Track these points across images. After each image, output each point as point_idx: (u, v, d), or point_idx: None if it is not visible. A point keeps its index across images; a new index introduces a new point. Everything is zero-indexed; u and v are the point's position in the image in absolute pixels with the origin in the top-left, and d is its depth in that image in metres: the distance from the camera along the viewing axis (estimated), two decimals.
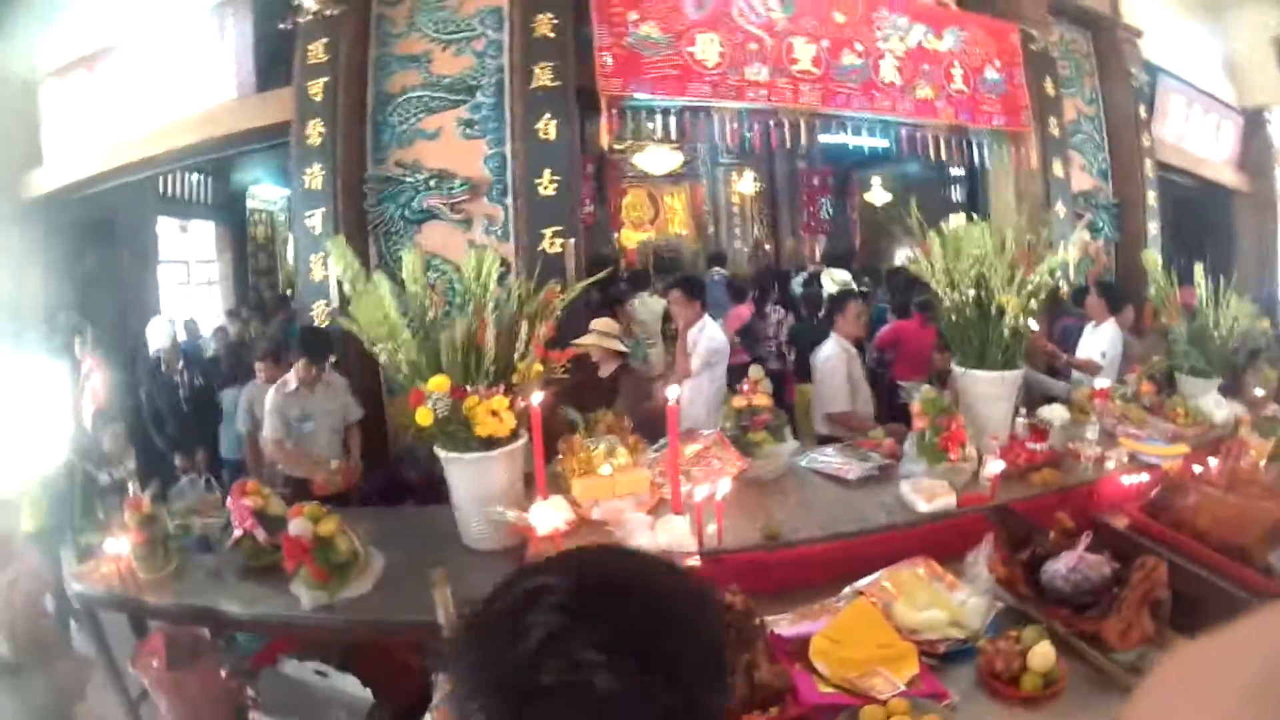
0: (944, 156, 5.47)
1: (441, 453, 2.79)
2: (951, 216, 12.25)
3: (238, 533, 2.78)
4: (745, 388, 3.26)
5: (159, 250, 8.08)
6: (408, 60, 4.93)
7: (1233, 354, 4.11)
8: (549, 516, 2.52)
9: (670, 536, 2.35)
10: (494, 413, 2.68)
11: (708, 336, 4.46)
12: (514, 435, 2.78)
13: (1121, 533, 2.61)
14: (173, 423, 5.31)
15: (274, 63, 5.33)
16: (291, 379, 4.22)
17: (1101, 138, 6.53)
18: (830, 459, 3.19)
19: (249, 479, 3.08)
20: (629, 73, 4.51)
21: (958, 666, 1.95)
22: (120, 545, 2.67)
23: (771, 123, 4.97)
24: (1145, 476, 3.05)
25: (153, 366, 5.56)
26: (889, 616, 2.10)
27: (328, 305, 4.78)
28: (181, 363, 5.50)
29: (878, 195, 11.72)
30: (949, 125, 5.35)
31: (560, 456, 3.04)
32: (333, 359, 4.32)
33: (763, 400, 3.21)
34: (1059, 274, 3.30)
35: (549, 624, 0.70)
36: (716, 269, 8.56)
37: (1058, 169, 5.89)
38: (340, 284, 4.34)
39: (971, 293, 3.15)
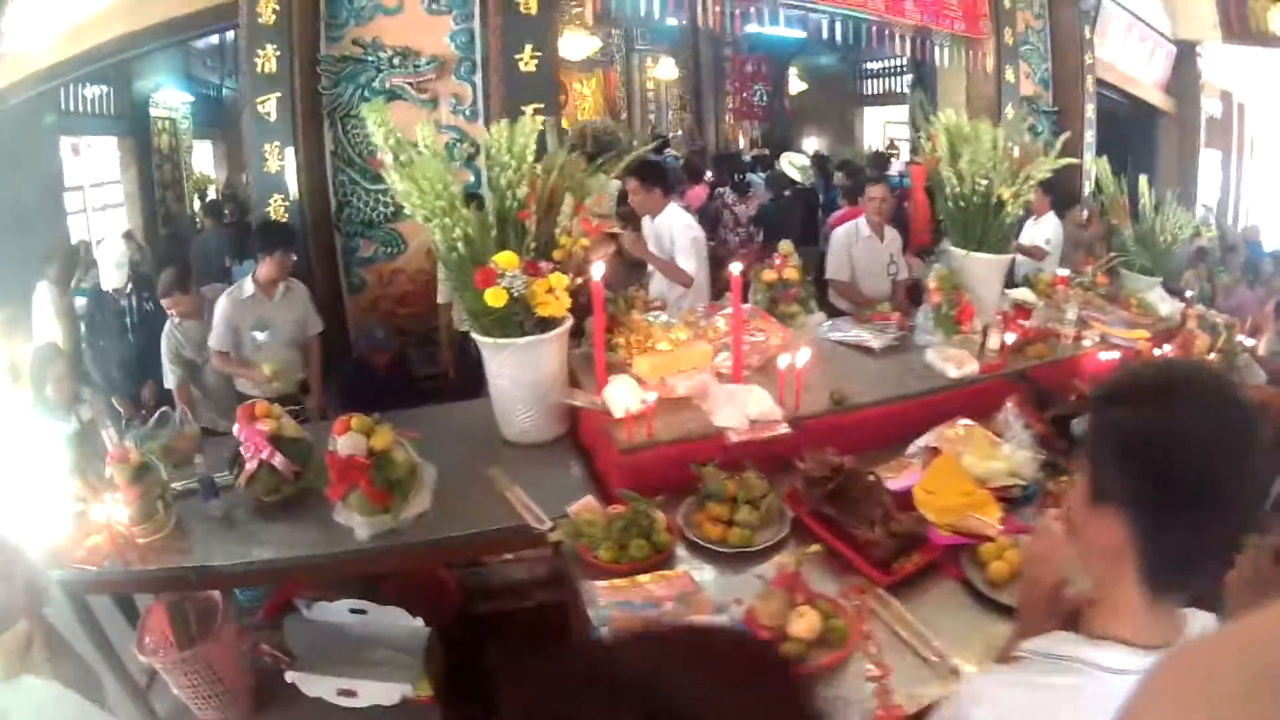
0: (906, 54, 5.89)
1: (488, 340, 2.69)
2: (866, 109, 12.71)
3: (251, 465, 2.39)
4: (777, 261, 3.51)
5: (64, 174, 7.30)
6: None
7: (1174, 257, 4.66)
8: (625, 396, 2.50)
9: (759, 407, 2.55)
10: (550, 290, 2.61)
11: (685, 226, 4.39)
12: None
13: None
14: (121, 355, 4.97)
15: None
16: (248, 284, 4.04)
17: (1046, 49, 7.08)
18: (851, 331, 3.47)
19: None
20: None
21: (1022, 508, 2.34)
22: (111, 509, 2.21)
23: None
24: (1117, 354, 3.48)
25: (96, 295, 5.21)
26: None
27: (285, 199, 4.65)
28: (130, 286, 5.16)
29: (793, 85, 12.04)
30: (914, 26, 5.71)
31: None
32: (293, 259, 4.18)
33: (793, 274, 3.49)
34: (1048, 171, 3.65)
35: None
36: (668, 151, 8.65)
37: (1009, 75, 6.44)
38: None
39: (983, 183, 3.48)
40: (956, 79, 6.32)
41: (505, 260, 2.54)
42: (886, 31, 5.68)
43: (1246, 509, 0.93)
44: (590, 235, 2.99)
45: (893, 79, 11.93)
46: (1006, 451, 2.54)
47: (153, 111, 8.66)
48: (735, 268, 2.88)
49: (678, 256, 4.30)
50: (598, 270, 2.70)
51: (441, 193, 2.59)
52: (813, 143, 8.72)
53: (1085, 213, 5.71)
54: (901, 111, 11.74)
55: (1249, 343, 3.92)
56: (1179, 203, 4.65)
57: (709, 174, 7.31)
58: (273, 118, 4.56)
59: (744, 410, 2.52)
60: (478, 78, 4.75)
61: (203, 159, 10.02)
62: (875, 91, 12.41)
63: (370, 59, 4.71)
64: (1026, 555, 1.34)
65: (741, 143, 11.90)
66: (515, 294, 2.54)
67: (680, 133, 11.89)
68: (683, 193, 6.31)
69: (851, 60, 11.87)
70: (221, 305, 3.98)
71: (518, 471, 2.48)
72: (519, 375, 2.70)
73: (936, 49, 5.99)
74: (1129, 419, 0.93)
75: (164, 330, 4.31)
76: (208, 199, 9.23)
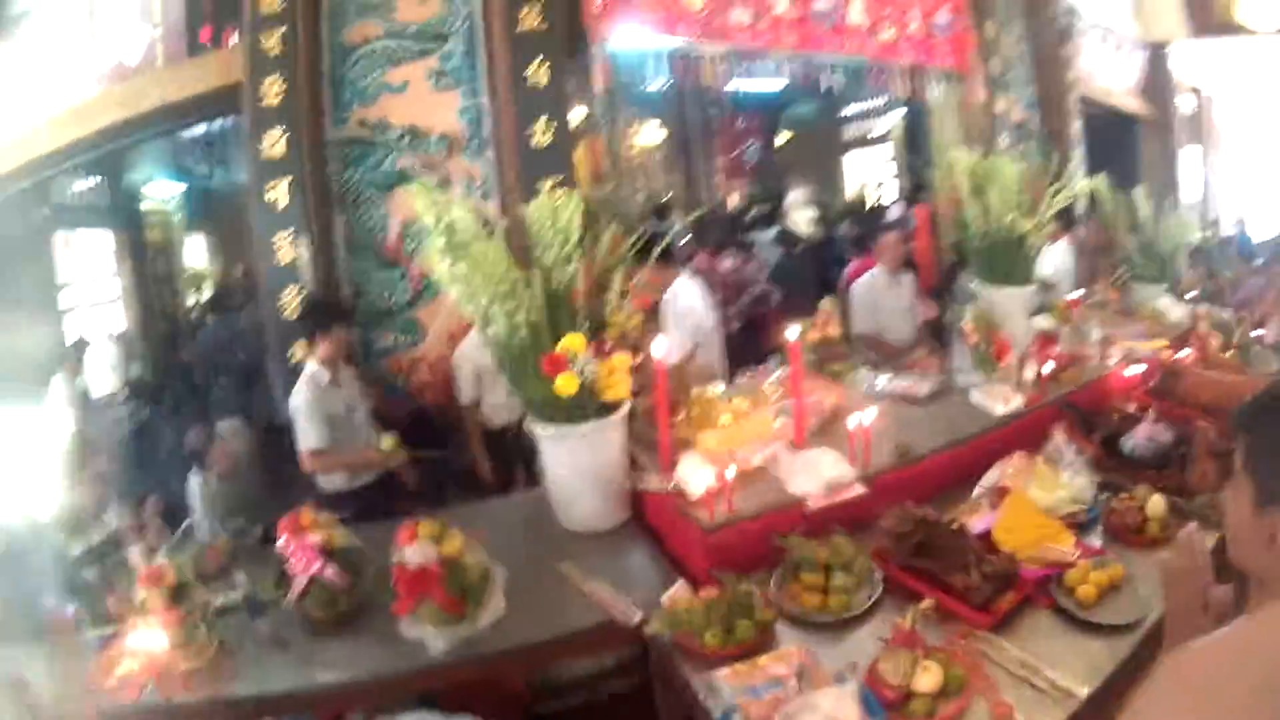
0: (897, 94, 6.18)
1: (550, 429, 2.66)
2: (846, 154, 12.94)
3: (302, 580, 2.28)
4: (819, 320, 3.71)
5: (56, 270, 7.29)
6: (367, 8, 4.66)
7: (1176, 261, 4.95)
8: (702, 474, 2.53)
9: (832, 470, 2.65)
10: (613, 372, 2.59)
11: (676, 299, 4.36)
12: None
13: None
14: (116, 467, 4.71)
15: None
16: (318, 371, 3.84)
17: (1029, 73, 7.40)
18: (894, 382, 3.61)
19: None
20: (619, 14, 4.67)
21: (1089, 531, 2.54)
22: (149, 636, 2.11)
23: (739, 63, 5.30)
24: (1143, 367, 3.60)
25: (84, 401, 5.08)
26: None
27: (300, 289, 4.49)
28: (124, 391, 5.14)
29: (779, 137, 12.49)
30: (908, 66, 6.03)
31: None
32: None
33: (834, 331, 3.70)
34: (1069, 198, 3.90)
35: None
36: (673, 220, 8.88)
37: (1000, 104, 6.74)
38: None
39: (1010, 218, 3.67)
40: (948, 114, 6.55)
41: (574, 344, 2.51)
42: (880, 73, 5.95)
43: None
44: (644, 310, 3.04)
45: (872, 122, 12.27)
46: (1066, 479, 2.72)
47: (144, 205, 8.74)
48: (792, 332, 3.00)
49: (676, 331, 4.16)
50: (659, 347, 2.72)
51: (504, 275, 2.53)
52: (800, 194, 8.99)
53: (1083, 232, 5.95)
54: (881, 152, 12.16)
55: (1258, 333, 4.17)
56: (1173, 207, 4.94)
57: (715, 237, 7.48)
58: (281, 205, 4.43)
59: (818, 474, 2.62)
60: (489, 154, 4.68)
61: (194, 252, 9.98)
62: (855, 136, 12.82)
63: (378, 140, 4.65)
64: (1167, 570, 1.47)
65: (734, 201, 12.09)
66: (587, 379, 2.52)
67: (671, 195, 12.08)
68: (692, 261, 6.44)
69: (831, 107, 12.25)
70: (306, 401, 3.75)
71: (589, 563, 2.50)
72: (582, 463, 2.69)
73: (929, 86, 6.28)
74: None
75: (191, 484, 4.22)
76: (204, 293, 9.24)
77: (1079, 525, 2.54)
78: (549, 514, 2.84)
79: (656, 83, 9.36)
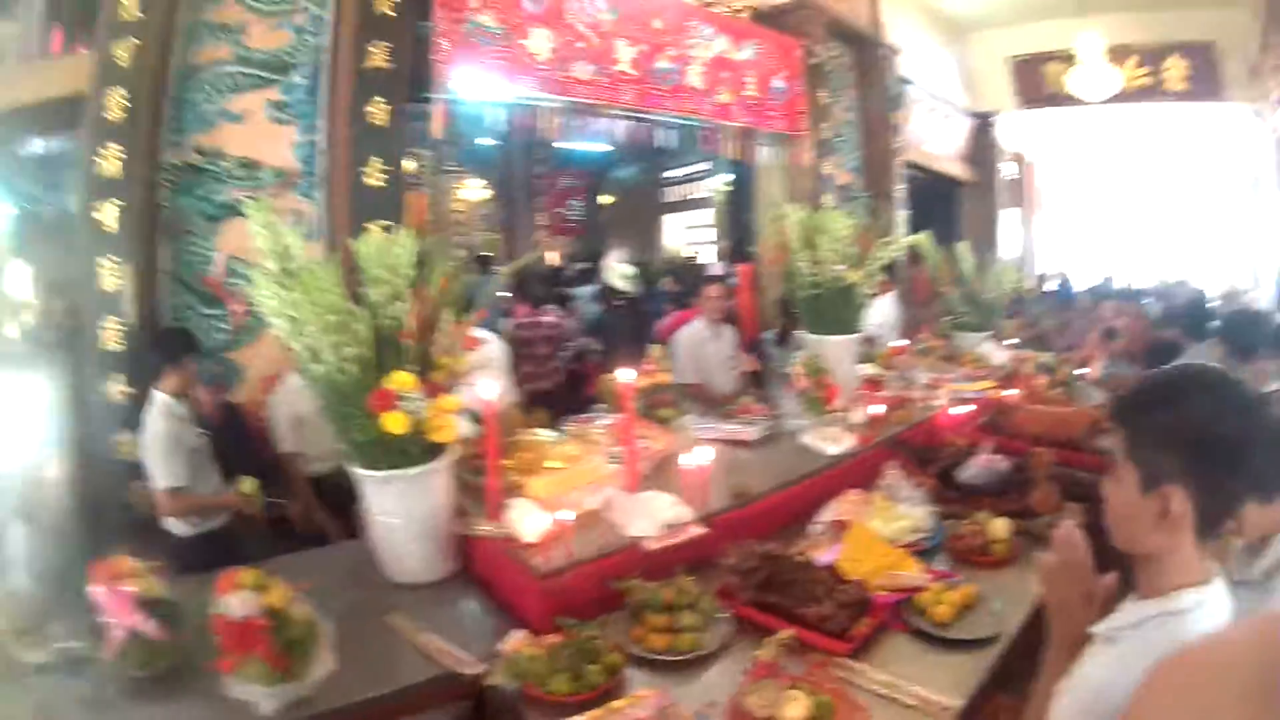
0: (732, 155, 6.31)
1: (374, 473, 2.48)
2: (666, 216, 13.32)
3: (118, 634, 2.04)
4: (647, 367, 3.62)
5: None
6: (220, 30, 4.35)
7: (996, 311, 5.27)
8: (537, 519, 2.44)
9: (670, 511, 2.57)
10: (442, 413, 2.45)
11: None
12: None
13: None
14: None
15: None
16: (170, 403, 3.48)
17: (857, 139, 7.79)
18: (721, 426, 3.62)
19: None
20: (464, 60, 4.54)
21: (933, 557, 2.57)
22: None
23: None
24: (970, 407, 3.88)
25: None
26: None
27: (121, 323, 4.04)
28: None
29: (602, 197, 12.78)
30: (740, 128, 6.18)
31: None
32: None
33: (665, 378, 3.63)
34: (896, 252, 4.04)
35: None
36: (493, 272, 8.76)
37: (826, 167, 7.00)
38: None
39: (838, 268, 3.78)
40: (776, 175, 6.77)
41: (404, 381, 2.36)
42: (713, 133, 6.06)
43: (1260, 461, 1.22)
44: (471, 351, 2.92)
45: (693, 185, 12.70)
46: (904, 510, 2.76)
47: None
48: (626, 375, 2.94)
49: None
50: (488, 389, 2.61)
51: (335, 306, 2.35)
52: (620, 252, 9.17)
53: (907, 284, 6.26)
54: (699, 216, 12.53)
55: (1082, 371, 4.50)
56: (993, 263, 5.26)
57: (535, 292, 7.41)
58: (108, 227, 4.03)
59: (655, 516, 2.55)
60: (320, 195, 4.43)
61: (17, 282, 9.12)
62: (676, 199, 13.21)
63: (212, 168, 4.34)
64: (1048, 568, 1.48)
65: (553, 258, 12.12)
66: (415, 419, 2.38)
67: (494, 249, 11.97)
68: (509, 314, 6.34)
69: (654, 170, 12.64)
70: (162, 434, 3.41)
71: (419, 615, 2.34)
72: (409, 509, 2.52)
73: (759, 148, 6.47)
74: (1173, 417, 1.22)
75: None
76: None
77: (922, 552, 2.57)
78: (374, 565, 2.64)
79: (489, 137, 9.49)
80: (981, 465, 2.99)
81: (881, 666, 1.97)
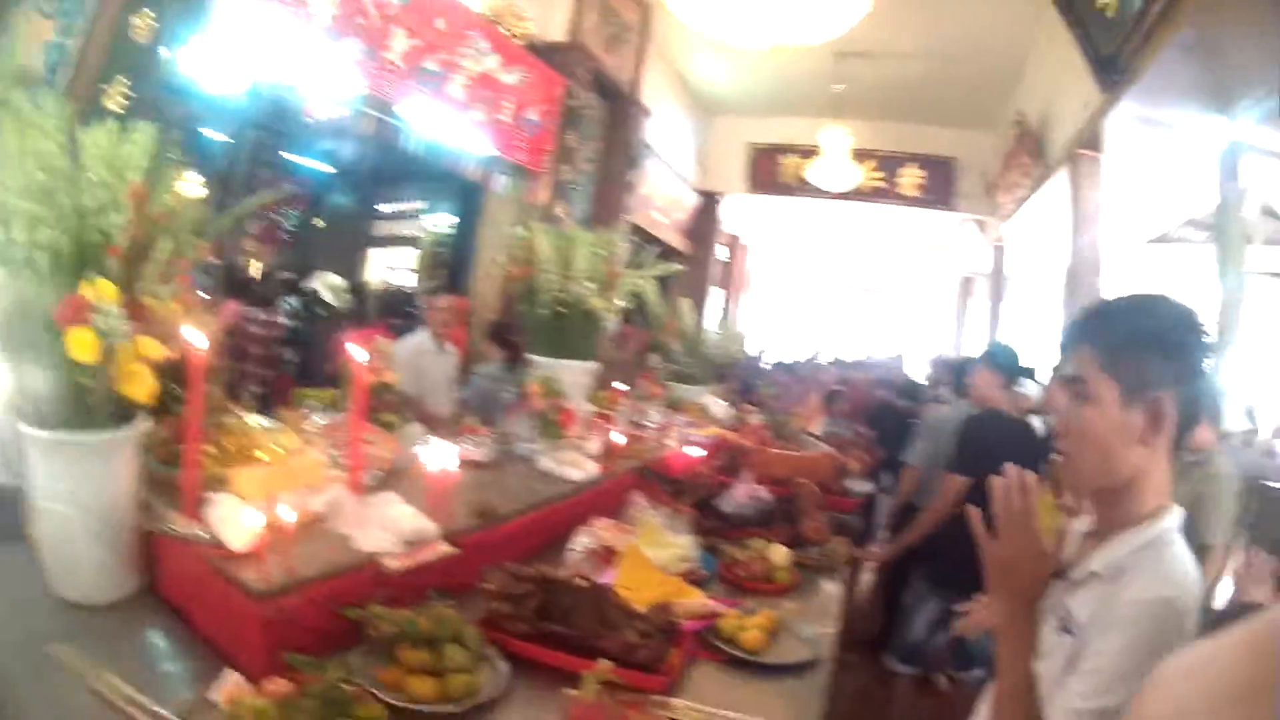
0: (472, 177, 5.88)
1: (42, 434, 1.63)
2: (371, 249, 12.61)
3: None
4: (375, 363, 2.98)
5: None
6: None
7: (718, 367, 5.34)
8: (246, 519, 1.70)
9: (410, 523, 1.98)
10: (140, 359, 1.66)
11: None
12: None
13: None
14: None
15: None
16: None
17: (591, 191, 7.54)
18: (449, 445, 3.09)
19: None
20: None
21: (708, 585, 2.29)
22: None
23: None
24: (701, 450, 3.64)
25: None
26: None
27: None
28: None
29: (315, 218, 11.80)
30: (484, 156, 5.78)
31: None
32: None
33: (391, 377, 3.01)
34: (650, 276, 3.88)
35: None
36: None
37: (559, 209, 6.71)
38: None
39: (590, 286, 3.46)
40: (508, 206, 6.44)
41: (105, 290, 1.58)
42: (458, 148, 5.56)
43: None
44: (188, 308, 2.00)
45: (404, 223, 12.00)
46: (672, 538, 2.46)
47: None
48: (359, 352, 2.30)
49: None
50: (196, 337, 1.78)
51: (53, 158, 1.60)
52: (329, 273, 8.46)
53: (620, 335, 6.22)
54: (406, 255, 11.84)
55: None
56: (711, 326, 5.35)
57: (244, 293, 6.52)
58: None
59: (395, 528, 1.94)
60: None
61: None
62: (385, 234, 12.38)
63: None
64: (1006, 515, 1.19)
65: (260, 265, 10.87)
66: (111, 344, 1.59)
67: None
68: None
69: (369, 201, 11.85)
70: None
71: (98, 647, 1.54)
72: (86, 494, 1.70)
73: (498, 177, 6.09)
74: (1153, 322, 1.16)
75: None
76: None
77: (696, 582, 2.26)
78: (34, 575, 1.74)
79: (218, 128, 8.31)
80: (745, 496, 2.81)
81: (702, 700, 1.60)
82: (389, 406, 2.93)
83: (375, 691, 1.43)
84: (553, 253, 3.50)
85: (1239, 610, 1.96)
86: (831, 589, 2.49)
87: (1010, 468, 1.19)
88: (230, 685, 1.38)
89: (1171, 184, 6.79)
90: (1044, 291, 11.84)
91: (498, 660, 1.61)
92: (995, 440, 3.37)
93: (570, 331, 3.56)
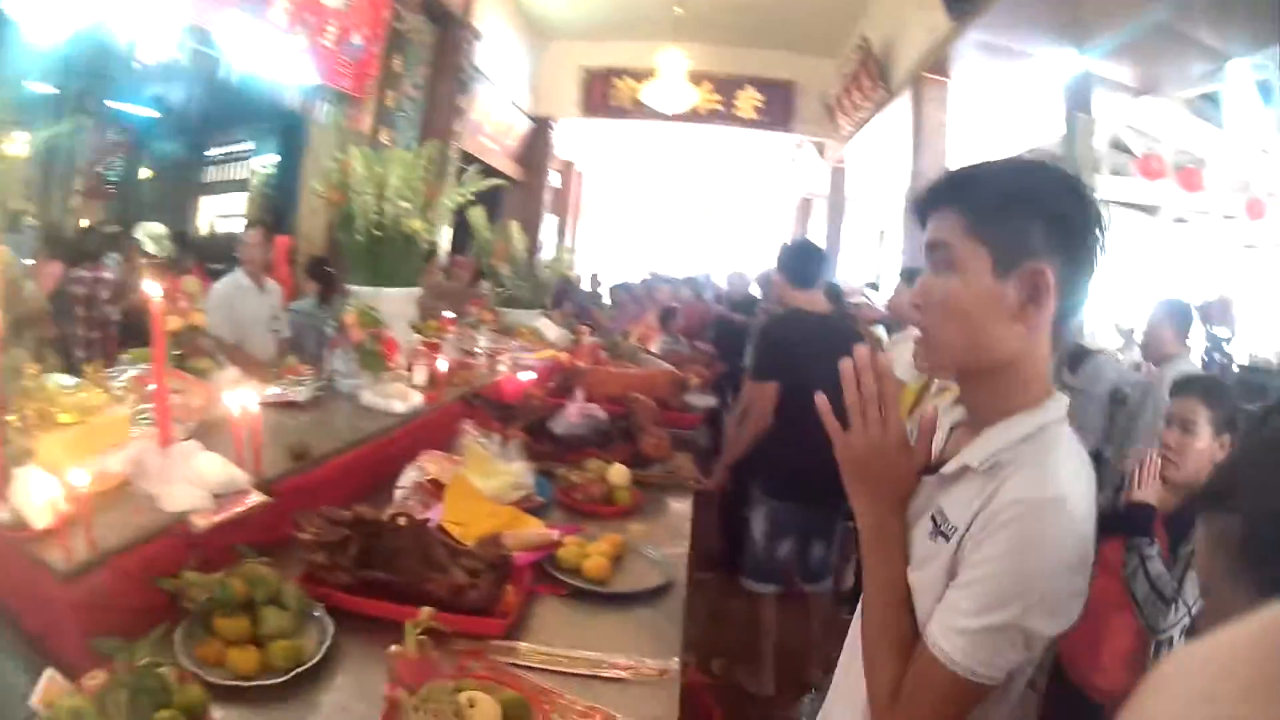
0: (292, 106, 5.35)
1: None
2: (203, 198, 11.65)
3: None
4: (180, 304, 2.64)
5: None
6: None
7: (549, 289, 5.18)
8: (47, 490, 1.46)
9: (220, 474, 1.76)
10: None
11: None
12: None
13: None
14: None
15: None
16: None
17: (419, 119, 7.02)
18: (267, 391, 2.73)
19: None
20: None
21: (546, 513, 2.14)
22: None
23: None
24: (533, 373, 3.55)
25: None
26: None
27: None
28: None
29: (143, 167, 10.61)
30: (308, 79, 5.26)
31: None
32: None
33: (200, 319, 2.69)
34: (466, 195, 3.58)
35: None
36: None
37: (384, 136, 6.24)
38: None
39: (406, 206, 3.16)
40: (329, 140, 5.92)
41: None
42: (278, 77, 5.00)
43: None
44: None
45: (233, 166, 11.07)
46: (504, 466, 2.29)
47: None
48: (153, 289, 1.97)
49: None
50: None
51: None
52: (156, 226, 7.65)
53: (449, 264, 5.94)
54: (237, 201, 10.69)
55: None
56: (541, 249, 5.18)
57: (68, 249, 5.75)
58: None
59: (201, 481, 1.71)
60: None
61: None
62: (215, 179, 11.28)
63: None
64: (859, 404, 1.00)
65: (86, 221, 9.77)
66: None
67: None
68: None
69: (197, 149, 10.69)
70: None
71: None
72: None
73: (321, 105, 5.54)
74: (1029, 181, 0.98)
75: None
76: None
77: (533, 510, 2.11)
78: None
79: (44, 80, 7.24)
80: (577, 416, 2.64)
81: (550, 641, 1.45)
82: (200, 351, 2.63)
83: (197, 671, 1.25)
84: (367, 172, 3.20)
85: (1130, 510, 1.96)
86: (679, 507, 2.38)
87: (859, 349, 1.01)
88: (47, 685, 1.15)
89: (1017, 111, 6.99)
90: (884, 213, 12.25)
91: (323, 619, 1.43)
92: (794, 339, 3.16)
93: (389, 257, 3.27)
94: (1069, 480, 0.91)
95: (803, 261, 3.39)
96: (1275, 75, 5.33)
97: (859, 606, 1.06)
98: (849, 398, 1.00)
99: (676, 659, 1.42)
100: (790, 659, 3.34)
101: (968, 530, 0.93)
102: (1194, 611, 1.65)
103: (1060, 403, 0.98)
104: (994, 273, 0.95)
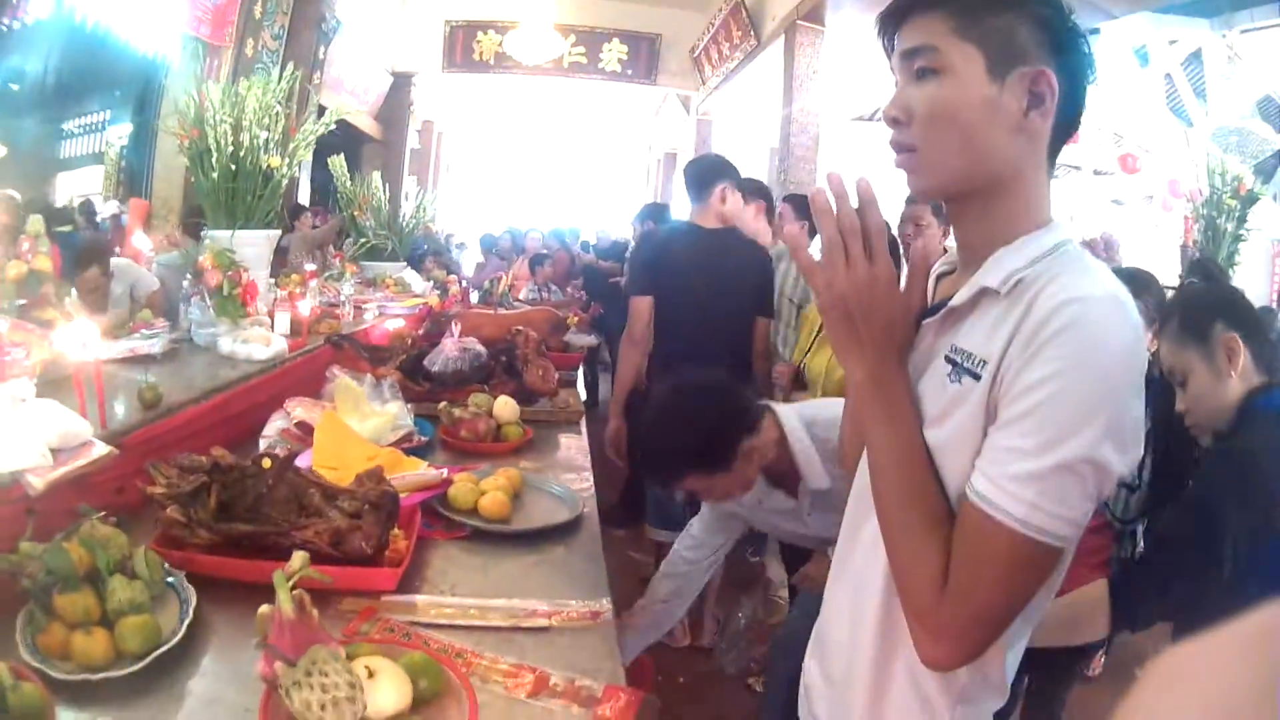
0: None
1: None
2: (60, 175, 10.23)
3: None
4: (22, 249, 2.19)
5: None
6: None
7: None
8: None
9: (61, 425, 1.39)
10: None
11: None
12: None
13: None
14: None
15: None
16: None
17: (276, 70, 6.29)
18: (117, 344, 2.36)
19: None
20: None
21: (430, 454, 1.92)
22: None
23: None
24: (402, 321, 3.31)
25: None
26: None
27: None
28: None
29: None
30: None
31: None
32: None
33: (46, 264, 2.22)
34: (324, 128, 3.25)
35: None
36: None
37: (242, 86, 5.59)
38: None
39: (261, 136, 2.83)
40: (186, 84, 5.27)
41: None
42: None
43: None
44: None
45: (89, 139, 9.76)
46: (378, 407, 2.03)
47: None
48: None
49: None
50: None
51: None
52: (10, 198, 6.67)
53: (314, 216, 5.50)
54: (93, 174, 9.43)
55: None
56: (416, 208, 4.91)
57: None
58: None
59: (38, 434, 1.35)
60: None
61: None
62: (72, 154, 9.95)
63: None
64: (838, 237, 0.77)
65: None
66: None
67: None
68: None
69: (52, 122, 9.43)
70: None
71: None
72: None
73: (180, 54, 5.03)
74: None
75: None
76: None
77: (415, 451, 1.88)
78: None
79: None
80: (455, 350, 2.35)
81: (454, 592, 1.21)
82: (47, 302, 2.16)
83: (40, 665, 0.93)
84: (225, 98, 2.83)
85: None
86: (574, 441, 2.15)
87: (832, 174, 0.80)
88: None
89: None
90: (751, 164, 12.18)
91: (183, 587, 1.13)
92: (672, 252, 2.84)
93: (247, 195, 2.90)
94: (1113, 281, 0.73)
95: (696, 174, 3.02)
96: (1152, 37, 5.34)
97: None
98: (827, 232, 0.78)
99: (607, 599, 1.19)
100: (701, 602, 3.11)
101: (1003, 357, 0.72)
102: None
103: (1070, 227, 0.81)
104: (988, 76, 0.76)
